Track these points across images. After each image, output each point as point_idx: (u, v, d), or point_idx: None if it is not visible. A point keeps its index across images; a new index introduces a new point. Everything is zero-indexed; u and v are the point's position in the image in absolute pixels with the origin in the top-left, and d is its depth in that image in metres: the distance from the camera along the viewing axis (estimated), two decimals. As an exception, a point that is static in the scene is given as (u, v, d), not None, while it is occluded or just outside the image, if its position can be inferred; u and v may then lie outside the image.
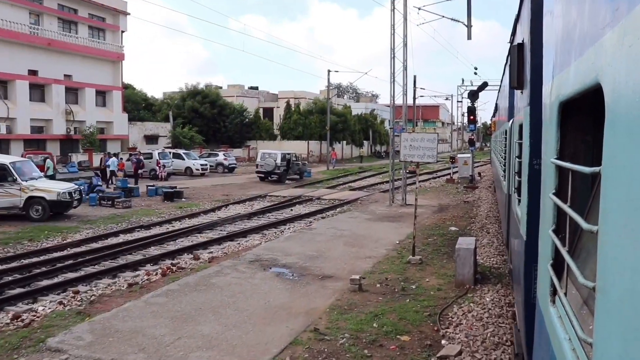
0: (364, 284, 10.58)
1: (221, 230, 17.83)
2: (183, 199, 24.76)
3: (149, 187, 26.23)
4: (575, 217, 1.94)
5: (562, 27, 2.47)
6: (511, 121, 8.46)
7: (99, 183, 24.13)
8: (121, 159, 32.58)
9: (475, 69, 45.14)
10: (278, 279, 11.22)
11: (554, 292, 2.44)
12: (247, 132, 60.05)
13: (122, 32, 46.18)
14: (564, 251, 2.18)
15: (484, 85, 30.05)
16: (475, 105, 30.39)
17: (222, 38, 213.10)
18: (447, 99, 57.21)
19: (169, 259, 13.80)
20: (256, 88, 77.45)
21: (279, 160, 34.08)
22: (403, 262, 12.45)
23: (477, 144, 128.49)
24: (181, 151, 39.66)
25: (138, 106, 61.97)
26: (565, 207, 2.18)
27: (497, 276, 11.26)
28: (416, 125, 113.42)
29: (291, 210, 22.52)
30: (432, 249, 14.08)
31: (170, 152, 38.98)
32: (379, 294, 10.12)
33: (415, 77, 48.73)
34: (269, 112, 70.89)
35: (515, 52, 5.50)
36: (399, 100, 23.69)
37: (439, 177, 39.77)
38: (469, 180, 31.25)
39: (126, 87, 65.97)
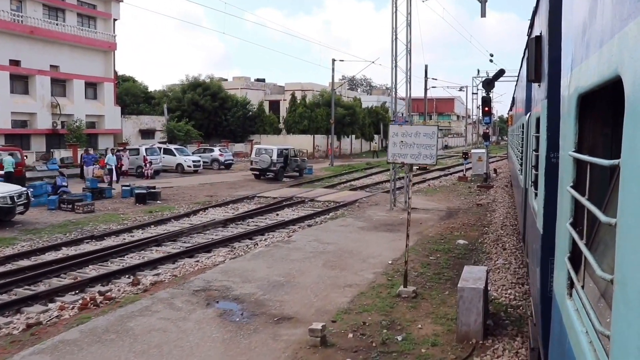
0: (332, 332, 7.72)
1: (185, 242, 15.04)
2: (158, 202, 22.01)
3: (123, 188, 23.52)
4: (593, 210, 1.93)
5: (582, 19, 2.43)
6: (528, 114, 8.27)
7: (64, 183, 21.44)
8: (100, 155, 29.92)
9: (491, 55, 41.13)
10: (219, 321, 8.36)
11: (571, 285, 2.44)
12: (251, 126, 57.22)
13: (115, 20, 43.43)
14: (581, 244, 2.18)
15: (500, 73, 26.92)
16: (491, 96, 27.22)
17: (237, 31, 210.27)
18: (460, 89, 53.63)
19: (101, 284, 11.03)
20: (263, 80, 74.60)
21: (274, 156, 31.19)
22: (392, 295, 9.51)
23: (494, 138, 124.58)
24: (172, 146, 36.92)
25: (138, 99, 59.63)
26: (583, 200, 2.16)
27: (516, 321, 8.25)
28: (430, 119, 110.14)
29: (277, 215, 19.65)
30: (432, 272, 11.11)
31: (160, 148, 36.32)
32: (349, 350, 7.20)
33: (426, 66, 45.39)
34: (275, 105, 68.03)
35: (533, 44, 5.39)
36: (402, 90, 20.70)
37: (451, 174, 36.61)
38: (483, 178, 28.09)
39: (126, 80, 63.76)
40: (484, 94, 27.03)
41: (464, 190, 26.38)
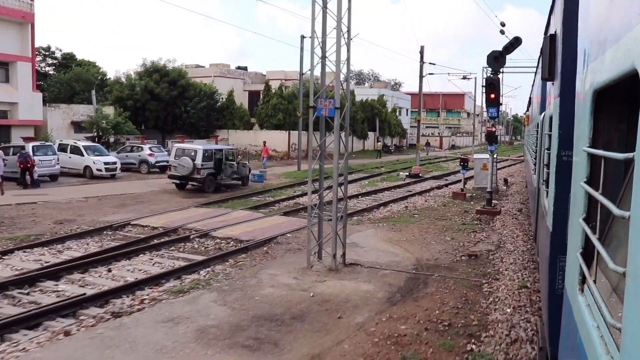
0: None
1: None
2: (-52, 236, 13.52)
3: None
4: (606, 204, 1.94)
5: (598, 14, 2.46)
6: (543, 114, 8.26)
7: None
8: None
9: (502, 25, 30.52)
10: None
11: (583, 280, 2.44)
12: (218, 119, 48.59)
13: (33, -16, 34.97)
14: (594, 238, 2.17)
15: (515, 43, 18.05)
16: (499, 77, 18.35)
17: (249, 24, 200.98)
18: (464, 77, 44.07)
19: None
20: (245, 68, 65.95)
21: (199, 160, 22.51)
22: None
23: (506, 138, 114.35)
24: (81, 143, 28.40)
25: (90, 87, 51.48)
26: (597, 195, 2.16)
27: None
28: (438, 116, 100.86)
29: (108, 271, 11.06)
30: None
31: (68, 145, 27.98)
32: None
33: (422, 47, 35.64)
34: (255, 95, 59.27)
35: (548, 43, 5.35)
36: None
37: (447, 185, 27.75)
38: (487, 198, 19.15)
39: (79, 64, 55.64)
40: (490, 74, 18.20)
41: (457, 217, 17.56)
